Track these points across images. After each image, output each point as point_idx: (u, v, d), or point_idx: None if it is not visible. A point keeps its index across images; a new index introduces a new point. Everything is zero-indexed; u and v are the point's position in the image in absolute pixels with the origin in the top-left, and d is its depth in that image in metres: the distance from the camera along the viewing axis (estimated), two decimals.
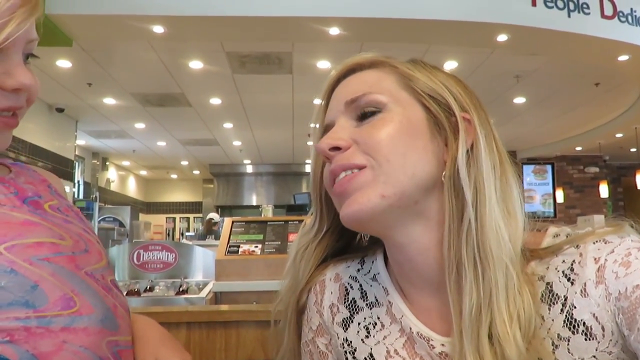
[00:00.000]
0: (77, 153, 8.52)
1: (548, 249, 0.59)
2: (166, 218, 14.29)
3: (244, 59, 5.32)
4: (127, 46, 4.94)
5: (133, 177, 14.03)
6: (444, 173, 0.60)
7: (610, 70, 5.54)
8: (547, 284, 0.57)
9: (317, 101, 0.73)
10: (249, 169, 13.01)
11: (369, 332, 0.67)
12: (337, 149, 0.61)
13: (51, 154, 7.26)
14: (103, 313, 0.61)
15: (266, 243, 3.57)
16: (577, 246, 0.57)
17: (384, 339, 0.66)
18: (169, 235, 13.97)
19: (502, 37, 4.46)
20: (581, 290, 0.54)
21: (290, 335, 0.74)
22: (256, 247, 3.56)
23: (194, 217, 14.62)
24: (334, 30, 4.24)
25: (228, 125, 8.35)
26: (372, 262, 0.73)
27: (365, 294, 0.70)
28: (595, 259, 0.55)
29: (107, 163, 11.46)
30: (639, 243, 0.55)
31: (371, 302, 0.69)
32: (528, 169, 10.75)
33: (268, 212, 6.57)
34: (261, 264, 3.34)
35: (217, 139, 9.47)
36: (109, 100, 6.88)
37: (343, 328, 0.70)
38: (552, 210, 10.57)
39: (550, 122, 8.18)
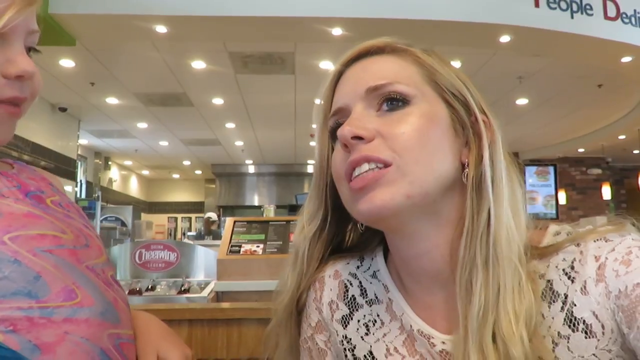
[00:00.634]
0: (79, 152, 8.54)
1: (549, 247, 0.59)
2: (168, 218, 14.31)
3: (246, 59, 5.32)
4: (130, 46, 4.95)
5: (135, 176, 14.06)
6: (464, 173, 0.60)
7: (613, 72, 5.53)
8: (548, 281, 0.57)
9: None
10: (251, 169, 13.02)
11: (368, 330, 0.67)
12: (359, 138, 0.58)
13: (54, 153, 7.27)
14: (104, 306, 0.62)
15: (268, 243, 3.58)
16: (577, 244, 0.57)
17: (383, 337, 0.66)
18: (170, 234, 13.99)
19: (505, 38, 4.46)
20: (581, 288, 0.54)
21: (289, 332, 0.73)
22: (258, 246, 3.56)
23: (196, 217, 14.63)
24: (337, 31, 4.24)
25: (230, 125, 8.36)
26: (372, 259, 0.72)
27: (365, 291, 0.70)
28: (595, 257, 0.55)
29: (110, 162, 11.48)
30: (639, 241, 0.55)
31: (371, 300, 0.69)
32: (530, 171, 10.74)
33: (270, 212, 6.56)
34: (263, 264, 3.34)
35: (219, 139, 9.48)
36: (112, 100, 6.89)
37: (342, 325, 0.69)
38: (554, 211, 10.55)
39: (552, 124, 8.17)
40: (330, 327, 0.70)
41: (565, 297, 0.55)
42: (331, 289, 0.72)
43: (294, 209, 7.24)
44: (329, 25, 4.18)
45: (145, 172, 14.06)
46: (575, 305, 0.54)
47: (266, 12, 3.97)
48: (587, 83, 6.08)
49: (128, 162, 12.48)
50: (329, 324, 0.70)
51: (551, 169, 10.75)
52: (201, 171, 13.74)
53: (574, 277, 0.55)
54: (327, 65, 5.43)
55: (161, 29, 4.10)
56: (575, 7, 4.44)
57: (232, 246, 3.57)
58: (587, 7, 4.49)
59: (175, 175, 14.65)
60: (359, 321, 0.68)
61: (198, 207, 14.99)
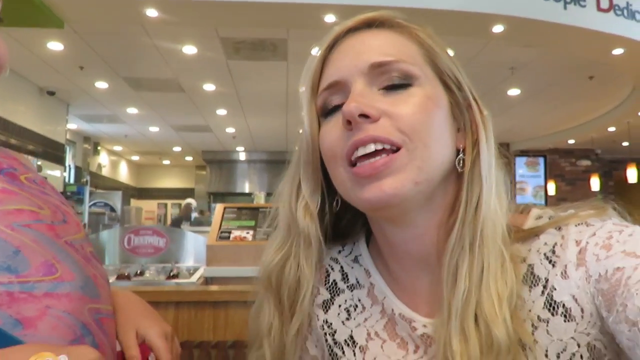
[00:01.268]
0: (68, 137, 8.46)
1: (531, 231, 0.59)
2: (158, 204, 14.26)
3: (238, 45, 5.27)
4: (120, 29, 4.88)
5: (125, 162, 13.96)
6: (458, 159, 0.59)
7: (605, 64, 5.55)
8: (529, 265, 0.57)
9: (315, 50, 0.64)
10: (242, 156, 12.98)
11: (349, 315, 0.67)
12: (365, 116, 0.55)
13: (42, 138, 7.19)
14: (83, 280, 0.61)
15: (258, 229, 3.57)
16: (559, 228, 0.57)
17: (364, 321, 0.65)
18: (160, 220, 13.95)
19: (498, 28, 4.45)
20: (562, 273, 0.54)
21: (271, 313, 0.69)
22: (248, 233, 3.56)
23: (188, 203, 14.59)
24: (330, 18, 4.22)
25: (221, 111, 8.31)
26: (354, 243, 0.72)
27: (347, 275, 0.69)
28: (576, 241, 0.55)
29: (99, 148, 11.39)
30: (620, 226, 0.55)
31: (352, 284, 0.68)
32: (521, 161, 10.81)
33: (260, 199, 6.57)
34: (252, 250, 3.34)
35: (210, 125, 9.42)
36: (101, 84, 6.81)
37: (323, 310, 0.69)
38: (543, 202, 10.64)
39: (543, 115, 8.21)
40: (311, 312, 0.69)
41: (546, 281, 0.55)
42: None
43: None
44: (322, 11, 4.15)
45: (135, 158, 13.97)
46: (555, 289, 0.54)
47: None
48: (578, 75, 6.10)
49: (118, 148, 12.38)
50: (310, 308, 0.69)
51: (541, 160, 10.83)
52: (192, 157, 13.67)
53: (554, 262, 0.55)
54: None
55: (152, 12, 4.05)
56: None
57: (221, 232, 3.56)
58: None
59: (166, 162, 14.58)
60: (339, 306, 0.68)
61: (188, 193, 14.94)
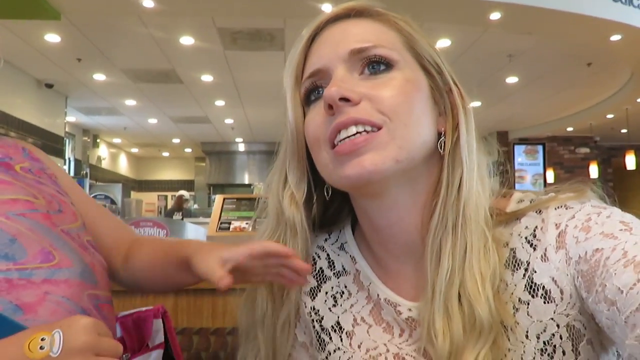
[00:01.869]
0: (67, 130, 8.45)
1: (512, 214, 0.60)
2: (158, 196, 14.25)
3: (235, 35, 5.26)
4: (116, 21, 4.87)
5: (124, 154, 13.95)
6: (439, 141, 0.60)
7: (603, 50, 5.54)
8: (511, 250, 0.58)
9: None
10: (241, 147, 12.97)
11: (336, 301, 0.68)
12: (346, 100, 0.56)
13: (41, 130, 7.18)
14: (81, 267, 0.62)
15: (257, 220, 3.59)
16: (539, 212, 0.58)
17: (350, 307, 0.67)
18: (160, 212, 13.94)
19: (495, 15, 4.44)
20: (542, 256, 0.56)
21: (264, 302, 0.70)
22: (247, 223, 3.57)
23: (188, 195, 14.59)
24: (327, 7, 4.20)
25: (220, 102, 8.30)
26: (340, 231, 0.73)
27: (333, 263, 0.71)
28: (556, 224, 0.56)
29: (98, 140, 11.38)
30: (598, 208, 0.56)
31: (338, 271, 0.70)
32: (519, 149, 10.80)
33: (260, 191, 6.57)
34: (251, 240, 3.36)
35: (209, 116, 9.41)
36: (99, 76, 6.80)
37: (310, 297, 0.70)
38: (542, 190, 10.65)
39: (542, 103, 8.19)
40: (299, 299, 0.70)
41: (527, 264, 0.56)
42: None
43: None
44: (319, 0, 4.13)
45: (135, 150, 13.96)
46: (535, 271, 0.56)
47: None
48: (576, 61, 6.08)
49: (117, 140, 12.37)
50: (297, 297, 0.70)
51: (540, 147, 10.82)
52: (191, 149, 13.66)
53: (535, 245, 0.57)
54: None
55: (148, 3, 4.04)
56: None
57: (221, 223, 3.58)
58: None
59: (165, 154, 14.56)
60: (326, 293, 0.69)
61: (188, 185, 14.93)
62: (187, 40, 5.39)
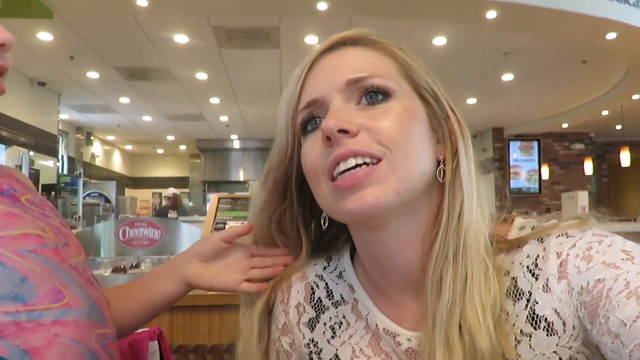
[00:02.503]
0: (60, 128, 8.39)
1: (514, 241, 0.59)
2: (152, 193, 14.21)
3: (230, 33, 5.23)
4: (110, 19, 4.82)
5: (118, 151, 13.89)
6: (439, 170, 0.59)
7: (598, 48, 5.55)
8: (513, 279, 0.57)
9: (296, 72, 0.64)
10: (236, 144, 12.93)
11: (334, 332, 0.67)
12: (344, 131, 0.55)
13: (34, 129, 7.13)
14: (90, 306, 0.60)
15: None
16: (541, 240, 0.57)
17: (349, 339, 0.65)
18: (155, 210, 13.91)
19: (491, 14, 4.43)
20: (544, 286, 0.54)
21: (257, 329, 0.71)
22: (242, 223, 3.55)
23: (181, 193, 14.54)
24: (322, 5, 4.18)
25: (214, 100, 8.26)
26: (339, 259, 0.72)
27: (331, 292, 0.69)
28: (557, 253, 0.55)
29: (92, 137, 11.31)
30: (600, 237, 0.54)
31: (337, 301, 0.68)
32: (515, 145, 10.82)
33: (255, 187, 6.53)
34: (247, 240, 3.34)
35: (204, 113, 9.37)
36: (93, 74, 6.75)
37: (309, 328, 0.69)
38: (537, 186, 10.68)
39: (537, 99, 8.21)
40: (296, 330, 0.69)
41: (529, 295, 0.55)
42: (298, 292, 0.71)
43: None
44: None
45: (129, 147, 13.90)
46: (537, 302, 0.54)
47: None
48: (572, 59, 6.09)
49: (111, 137, 12.32)
50: (295, 327, 0.70)
51: (535, 143, 10.84)
52: (186, 146, 13.62)
53: (537, 274, 0.55)
54: (312, 40, 5.36)
55: (142, 2, 4.00)
56: None
57: (216, 223, 3.56)
58: None
59: (159, 151, 14.51)
60: (325, 324, 0.68)
61: (183, 182, 14.90)
62: (181, 38, 5.35)
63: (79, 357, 0.56)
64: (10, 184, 0.66)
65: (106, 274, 3.09)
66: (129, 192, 13.19)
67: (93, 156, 11.58)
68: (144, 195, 14.04)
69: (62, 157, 9.28)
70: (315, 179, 0.60)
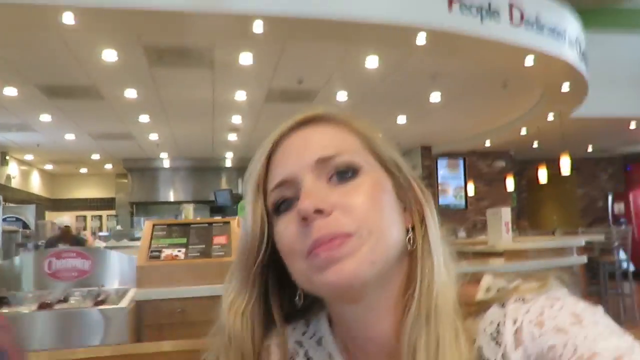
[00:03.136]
0: None
1: (479, 306, 0.60)
2: (77, 217, 13.46)
3: (162, 52, 5.10)
4: (32, 35, 4.56)
5: (37, 172, 13.07)
6: (408, 237, 0.61)
7: (517, 73, 5.93)
8: (479, 348, 0.58)
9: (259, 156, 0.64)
10: (166, 163, 12.56)
11: None
12: (319, 211, 0.57)
13: None
14: None
15: (190, 247, 3.47)
16: (503, 305, 0.59)
17: None
18: (79, 234, 13.17)
19: (420, 41, 4.62)
20: (503, 355, 0.56)
21: None
22: (179, 251, 3.44)
23: (107, 215, 13.89)
24: (258, 29, 4.18)
25: (144, 119, 7.99)
26: (317, 322, 0.72)
27: (311, 359, 0.70)
28: (513, 320, 0.56)
29: (7, 157, 10.58)
30: (552, 300, 0.56)
31: None
32: (442, 163, 11.29)
33: (189, 213, 6.33)
34: (185, 269, 3.24)
35: (132, 132, 9.04)
36: (10, 91, 6.32)
37: None
38: (463, 202, 11.17)
39: (463, 120, 8.62)
40: None
41: None
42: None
43: (214, 208, 7.01)
44: (249, 22, 4.10)
45: (49, 167, 13.11)
46: None
47: (182, 6, 3.82)
48: (493, 82, 6.46)
49: (29, 157, 11.56)
50: None
51: (460, 161, 11.36)
52: (112, 165, 13.04)
53: (500, 342, 0.57)
54: (247, 60, 5.33)
55: (68, 20, 3.82)
56: (484, 13, 4.69)
57: (151, 251, 3.42)
58: (495, 13, 4.77)
59: (83, 170, 13.79)
60: None
61: (109, 203, 14.25)
62: (109, 55, 5.13)
63: None
64: None
65: (31, 311, 2.87)
66: (49, 215, 12.41)
67: (9, 177, 10.82)
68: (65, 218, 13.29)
69: None
70: (291, 257, 0.60)
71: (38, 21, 3.92)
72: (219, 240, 3.53)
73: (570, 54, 5.71)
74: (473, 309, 0.60)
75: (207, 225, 3.67)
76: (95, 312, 2.90)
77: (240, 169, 13.27)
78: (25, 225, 8.89)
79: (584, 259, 4.59)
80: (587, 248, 5.58)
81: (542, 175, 9.11)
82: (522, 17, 5.00)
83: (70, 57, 5.11)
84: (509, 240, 4.44)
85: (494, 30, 4.80)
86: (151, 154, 11.37)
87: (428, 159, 10.87)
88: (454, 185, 11.22)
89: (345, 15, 4.20)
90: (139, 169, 12.92)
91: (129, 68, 5.53)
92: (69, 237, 6.40)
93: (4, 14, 3.75)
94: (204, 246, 3.46)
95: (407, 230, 0.62)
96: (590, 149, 11.51)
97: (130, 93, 6.53)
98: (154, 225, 3.63)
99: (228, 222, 3.66)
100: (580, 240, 4.91)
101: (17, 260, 3.48)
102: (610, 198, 12.37)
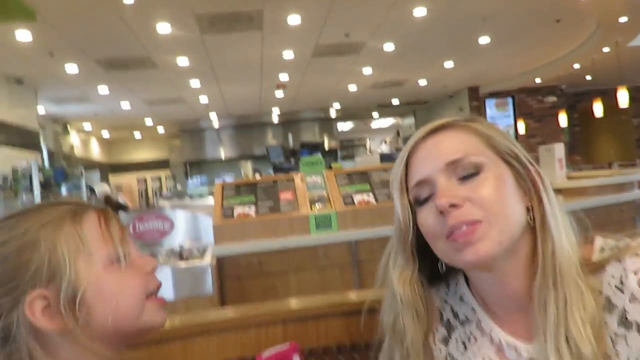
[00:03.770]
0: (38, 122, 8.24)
1: (598, 265, 0.74)
2: (137, 179, 14.06)
3: (213, 19, 5.21)
4: (92, 13, 4.75)
5: (95, 139, 13.67)
6: (530, 215, 0.76)
7: (572, 7, 5.71)
8: (607, 297, 0.72)
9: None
10: (215, 122, 12.87)
11: (465, 347, 0.83)
12: (453, 206, 0.72)
13: (14, 128, 7.00)
14: None
15: (259, 204, 3.64)
16: (619, 260, 0.73)
17: (479, 350, 0.82)
18: (141, 196, 13.78)
19: None
20: (629, 299, 0.70)
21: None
22: (250, 208, 3.63)
23: (166, 176, 14.44)
24: None
25: (195, 83, 8.21)
26: (456, 284, 0.88)
27: (457, 313, 0.86)
28: (634, 271, 0.71)
29: (68, 127, 11.10)
30: None
31: (463, 321, 0.85)
32: (490, 103, 11.06)
33: (248, 169, 6.60)
34: (258, 225, 3.40)
35: (183, 96, 9.30)
36: (72, 68, 6.63)
37: (444, 344, 0.86)
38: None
39: (512, 58, 8.38)
40: (433, 347, 0.86)
41: (622, 307, 0.71)
42: None
43: (275, 166, 7.15)
44: None
45: (106, 134, 13.69)
46: (627, 312, 0.71)
47: None
48: (546, 19, 6.25)
49: (87, 126, 12.10)
50: (432, 344, 0.86)
51: (509, 100, 11.09)
52: (164, 128, 13.48)
53: (624, 290, 0.71)
54: (295, 20, 5.38)
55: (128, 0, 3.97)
56: None
57: (224, 210, 3.63)
58: None
59: (137, 134, 14.32)
60: (456, 340, 0.84)
61: (163, 164, 14.80)
62: (164, 28, 5.31)
63: None
64: None
65: None
66: (112, 178, 13.07)
67: (72, 147, 11.40)
68: (127, 180, 13.93)
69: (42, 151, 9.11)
70: (434, 240, 0.77)
71: (100, 1, 4.09)
72: (285, 196, 3.66)
73: None
74: (592, 267, 0.74)
75: (272, 183, 3.82)
76: (184, 268, 3.18)
77: (285, 122, 13.43)
78: (92, 190, 9.39)
79: None
80: None
81: (598, 109, 8.83)
82: None
83: (127, 31, 5.31)
84: (563, 176, 4.40)
85: None
86: (201, 115, 11.67)
87: (475, 99, 10.67)
88: (503, 124, 11.01)
89: None
90: (190, 130, 13.31)
91: (182, 37, 5.69)
92: (112, 204, 6.83)
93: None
94: (272, 202, 3.61)
95: (528, 210, 0.76)
96: None
97: (182, 61, 6.72)
98: (223, 186, 3.83)
99: (292, 179, 3.81)
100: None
101: None
102: None
